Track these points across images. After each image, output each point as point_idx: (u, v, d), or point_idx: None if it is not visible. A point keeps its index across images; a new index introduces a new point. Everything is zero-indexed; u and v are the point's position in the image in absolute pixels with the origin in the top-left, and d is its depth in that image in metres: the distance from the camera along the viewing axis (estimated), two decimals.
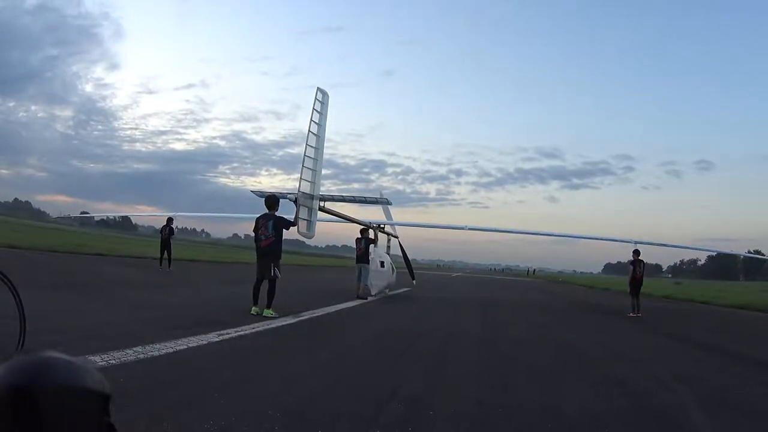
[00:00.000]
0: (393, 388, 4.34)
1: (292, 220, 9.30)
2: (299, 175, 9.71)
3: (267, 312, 8.31)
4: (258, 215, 9.15)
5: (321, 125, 9.91)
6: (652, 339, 10.22)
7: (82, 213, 76.09)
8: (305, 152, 9.68)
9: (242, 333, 6.53)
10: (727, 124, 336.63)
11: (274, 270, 8.72)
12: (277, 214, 9.09)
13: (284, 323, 7.82)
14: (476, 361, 6.31)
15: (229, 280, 17.32)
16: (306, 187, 9.78)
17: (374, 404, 3.84)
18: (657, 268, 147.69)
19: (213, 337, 6.00)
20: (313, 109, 9.78)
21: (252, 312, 8.33)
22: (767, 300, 22.35)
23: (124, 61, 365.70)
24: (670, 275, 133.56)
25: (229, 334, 6.32)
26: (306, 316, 8.88)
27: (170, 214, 20.88)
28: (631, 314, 14.18)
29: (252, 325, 7.14)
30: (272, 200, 9.21)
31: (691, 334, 11.27)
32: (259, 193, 12.93)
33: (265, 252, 8.84)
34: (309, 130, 9.74)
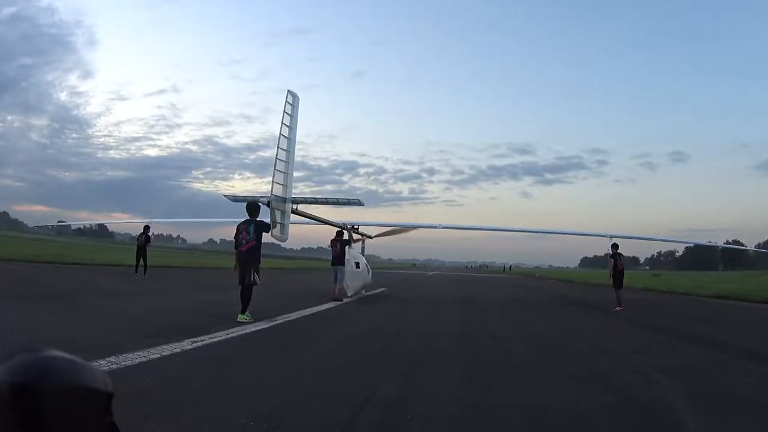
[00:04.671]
0: (369, 392, 4.27)
1: (269, 223, 9.37)
2: (272, 178, 9.68)
3: (242, 317, 8.25)
4: (239, 221, 9.16)
5: (292, 128, 9.90)
6: (636, 331, 10.18)
7: (59, 222, 74.73)
8: (277, 155, 9.67)
9: (216, 339, 6.45)
10: (701, 115, 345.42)
11: (254, 275, 8.73)
12: (258, 219, 9.14)
13: (259, 328, 7.76)
14: (455, 360, 6.17)
15: (204, 286, 17.25)
16: (278, 190, 9.76)
17: (350, 409, 3.78)
18: (634, 260, 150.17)
19: (187, 344, 5.92)
20: (284, 112, 9.77)
21: (240, 319, 8.24)
22: (749, 289, 22.54)
23: (97, 68, 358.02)
24: (648, 267, 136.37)
25: (203, 341, 6.24)
26: (281, 320, 8.80)
27: (147, 222, 20.69)
28: (616, 308, 14.09)
29: (226, 331, 7.05)
30: (253, 206, 9.24)
31: (673, 325, 11.22)
32: (233, 198, 12.87)
33: (245, 257, 8.86)
34: (280, 133, 9.73)
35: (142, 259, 18.37)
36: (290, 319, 9.12)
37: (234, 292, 9.07)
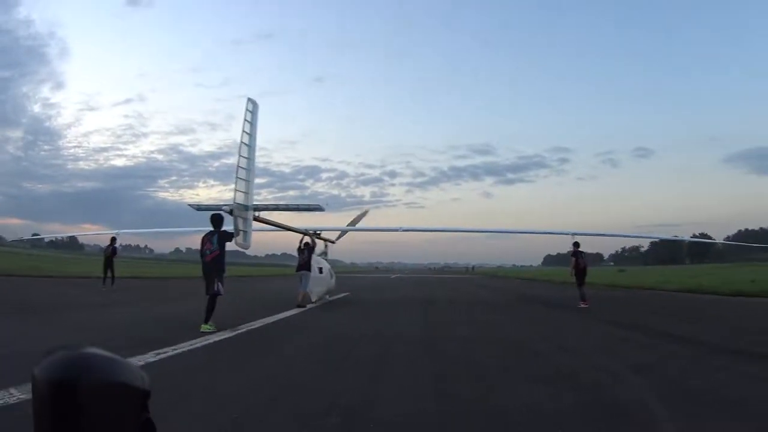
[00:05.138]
0: (330, 401, 4.25)
1: (233, 232, 9.42)
2: (234, 186, 9.68)
3: (205, 327, 8.20)
4: (205, 230, 9.21)
5: (252, 135, 9.93)
6: (602, 328, 10.12)
7: (33, 235, 73.08)
8: (238, 163, 9.67)
9: (179, 351, 6.40)
10: (663, 111, 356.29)
11: (218, 285, 8.73)
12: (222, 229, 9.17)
13: (222, 338, 7.71)
14: (418, 365, 6.06)
15: (170, 297, 17.11)
16: (240, 198, 9.76)
17: (311, 419, 3.79)
18: (598, 257, 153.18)
19: (150, 357, 5.89)
20: (245, 119, 9.78)
21: (203, 329, 8.20)
22: (715, 282, 22.82)
23: (68, 79, 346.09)
24: (612, 263, 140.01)
25: (166, 353, 6.20)
26: (244, 329, 8.76)
27: (114, 233, 20.77)
28: (581, 305, 14.41)
29: (189, 342, 7.01)
30: (218, 218, 9.23)
31: (640, 321, 11.02)
32: (196, 206, 12.74)
33: (210, 267, 8.88)
34: (241, 141, 9.73)
35: (109, 270, 18.69)
36: (253, 327, 9.09)
37: (199, 302, 8.98)
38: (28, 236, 80.00)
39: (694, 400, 4.49)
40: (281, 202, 12.63)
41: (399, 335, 8.76)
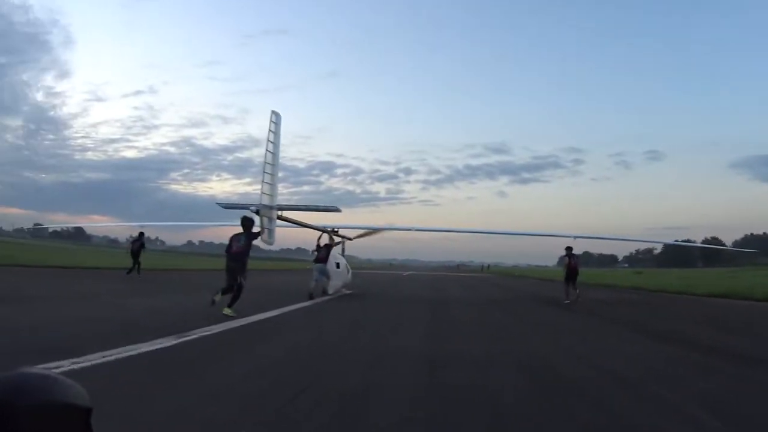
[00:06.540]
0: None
1: (259, 231, 10.51)
2: (260, 189, 10.94)
3: (227, 310, 9.18)
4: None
5: (276, 144, 11.14)
6: (646, 344, 8.37)
7: (35, 225, 74.13)
8: (264, 169, 10.93)
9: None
10: (675, 113, 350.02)
11: (241, 279, 9.72)
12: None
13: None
14: (413, 405, 4.32)
15: (195, 286, 17.62)
16: (266, 200, 11.00)
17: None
18: (612, 258, 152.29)
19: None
20: (269, 130, 11.01)
21: (215, 298, 9.24)
22: (748, 286, 21.53)
23: (73, 68, 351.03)
24: (626, 265, 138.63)
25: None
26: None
27: (138, 226, 22.29)
28: (566, 301, 16.27)
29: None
30: (248, 222, 10.18)
31: (687, 333, 9.76)
32: (224, 204, 14.07)
33: (235, 257, 9.85)
34: (266, 150, 10.97)
35: (135, 262, 19.93)
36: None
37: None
38: (29, 226, 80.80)
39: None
40: (296, 198, 14.00)
41: (393, 351, 6.89)
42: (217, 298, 9.36)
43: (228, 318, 8.85)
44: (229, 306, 9.37)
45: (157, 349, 5.89)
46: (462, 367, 5.89)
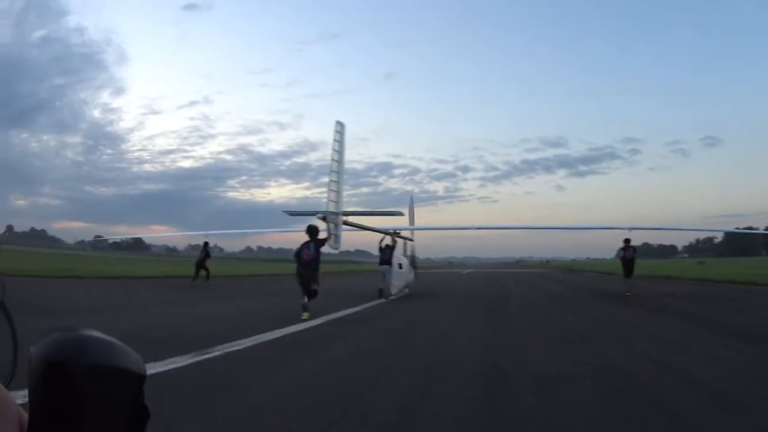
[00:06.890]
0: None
1: (326, 237, 11.05)
2: (326, 197, 11.46)
3: (305, 315, 9.76)
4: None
5: (341, 152, 11.63)
6: (750, 351, 6.67)
7: (96, 237, 78.58)
8: (330, 177, 11.45)
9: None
10: (732, 98, 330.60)
11: (314, 286, 10.31)
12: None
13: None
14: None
15: (268, 291, 19.03)
16: (332, 207, 11.51)
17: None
18: (672, 249, 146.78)
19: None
20: (334, 139, 11.51)
21: (303, 318, 9.74)
22: None
23: (128, 84, 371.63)
24: (686, 255, 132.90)
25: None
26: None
27: (203, 236, 23.20)
28: (627, 293, 16.61)
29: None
30: (313, 230, 10.78)
31: None
32: (290, 212, 14.77)
33: (307, 269, 10.43)
34: (332, 159, 11.48)
35: (203, 270, 20.65)
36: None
37: (287, 298, 10.59)
38: (90, 239, 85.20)
39: None
40: (355, 200, 14.61)
41: (446, 362, 6.22)
42: (306, 300, 10.00)
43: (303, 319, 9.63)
44: (305, 310, 9.96)
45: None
46: (527, 388, 4.75)
